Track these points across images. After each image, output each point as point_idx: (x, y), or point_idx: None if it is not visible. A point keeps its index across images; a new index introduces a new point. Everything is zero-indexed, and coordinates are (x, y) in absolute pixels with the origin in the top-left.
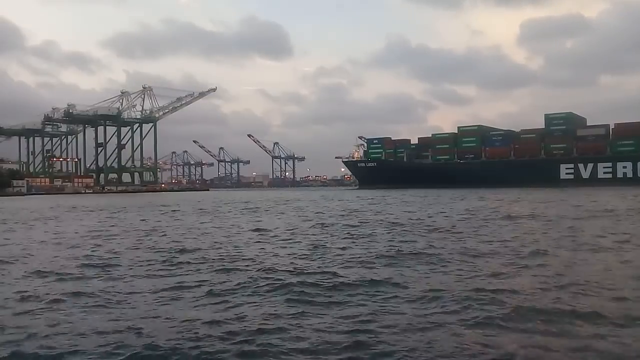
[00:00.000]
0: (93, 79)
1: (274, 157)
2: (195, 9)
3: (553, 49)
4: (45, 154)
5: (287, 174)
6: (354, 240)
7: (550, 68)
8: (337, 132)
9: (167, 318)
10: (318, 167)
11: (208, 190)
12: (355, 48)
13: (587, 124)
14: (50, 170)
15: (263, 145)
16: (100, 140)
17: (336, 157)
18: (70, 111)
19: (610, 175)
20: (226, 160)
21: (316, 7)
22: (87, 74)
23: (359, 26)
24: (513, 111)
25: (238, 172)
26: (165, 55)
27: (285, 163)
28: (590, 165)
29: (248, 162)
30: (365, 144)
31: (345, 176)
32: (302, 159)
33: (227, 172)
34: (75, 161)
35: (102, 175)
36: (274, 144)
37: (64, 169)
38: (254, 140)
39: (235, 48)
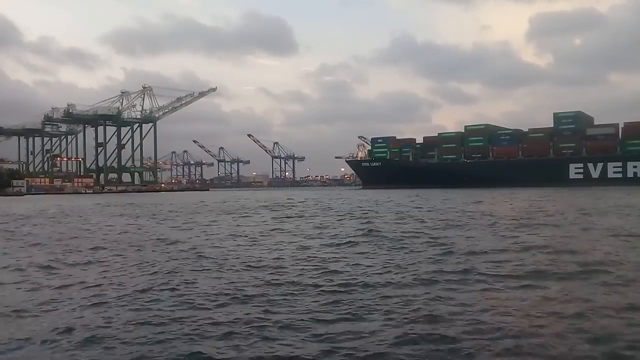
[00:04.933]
0: (91, 76)
1: (273, 157)
2: (196, 4)
3: (562, 46)
4: (45, 154)
5: (287, 173)
6: None
7: (559, 65)
8: (337, 132)
9: None
10: (318, 167)
11: (208, 190)
12: (360, 45)
13: (595, 123)
14: (51, 170)
15: (263, 145)
16: (100, 140)
17: (336, 157)
18: (70, 111)
19: (620, 175)
20: (226, 160)
21: (319, 3)
22: (86, 71)
23: (363, 22)
24: (518, 110)
25: (238, 172)
26: (165, 51)
27: (285, 163)
28: (599, 165)
29: (248, 162)
30: (367, 144)
31: (345, 176)
32: (302, 158)
33: (227, 172)
34: (78, 160)
35: (102, 175)
36: (274, 143)
37: (66, 169)
38: (253, 140)
39: (237, 44)
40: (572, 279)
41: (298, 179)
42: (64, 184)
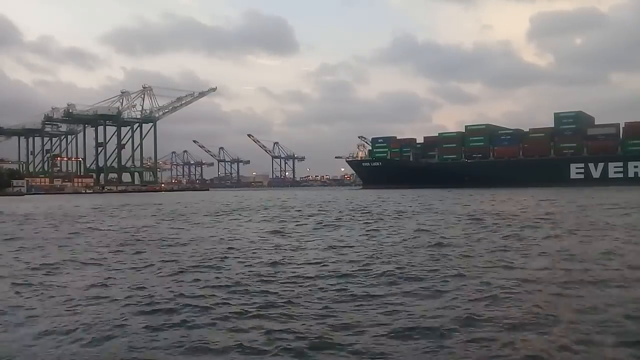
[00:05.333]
0: (91, 76)
1: (273, 157)
2: (196, 4)
3: (563, 45)
4: (45, 154)
5: (287, 173)
6: None
7: (560, 65)
8: (337, 132)
9: None
10: (318, 167)
11: (208, 190)
12: (360, 45)
13: (596, 123)
14: (51, 170)
15: (263, 145)
16: (100, 140)
17: (336, 157)
18: (70, 111)
19: (621, 175)
20: (226, 160)
21: (320, 2)
22: (86, 71)
23: (364, 22)
24: (519, 110)
25: (238, 172)
26: (165, 51)
27: (285, 163)
28: (600, 165)
29: (248, 162)
30: (367, 144)
31: (345, 176)
32: (302, 158)
33: (227, 172)
34: (78, 160)
35: (102, 175)
36: (274, 143)
37: (66, 169)
38: (253, 140)
39: (237, 44)
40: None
41: (298, 179)
42: (64, 184)
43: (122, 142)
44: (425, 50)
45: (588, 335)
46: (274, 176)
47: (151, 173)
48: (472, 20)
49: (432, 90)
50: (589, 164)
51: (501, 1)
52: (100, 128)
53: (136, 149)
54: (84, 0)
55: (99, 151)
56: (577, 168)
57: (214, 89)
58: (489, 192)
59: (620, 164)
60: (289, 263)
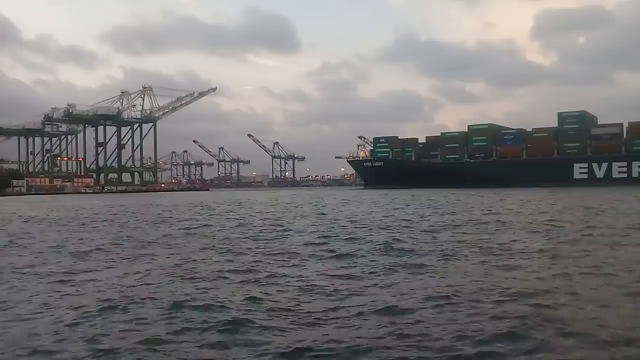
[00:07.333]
0: (91, 75)
1: (273, 157)
2: (196, 2)
3: (567, 44)
4: (45, 154)
5: (287, 173)
6: None
7: (563, 64)
8: (338, 132)
9: None
10: (318, 166)
11: (208, 190)
12: (362, 43)
13: (599, 123)
14: (52, 170)
15: (263, 145)
16: (100, 140)
17: (336, 157)
18: (70, 111)
19: (625, 175)
20: (226, 160)
21: (321, 0)
22: (85, 69)
23: (366, 20)
24: (522, 109)
25: (238, 172)
26: (165, 49)
27: (285, 163)
28: (604, 165)
29: (248, 162)
30: (367, 144)
31: (345, 176)
32: (302, 158)
33: (227, 172)
34: (78, 160)
35: (102, 175)
36: (274, 143)
37: (66, 169)
38: (253, 140)
39: (238, 42)
40: None
41: (298, 179)
42: (64, 184)
43: (122, 142)
44: (428, 49)
45: None
46: (274, 176)
47: (151, 173)
48: (475, 18)
49: (434, 89)
50: (593, 164)
51: None
52: (100, 128)
53: (136, 149)
54: None
55: (99, 151)
56: (580, 168)
57: (214, 89)
58: (503, 192)
59: (624, 163)
60: None
